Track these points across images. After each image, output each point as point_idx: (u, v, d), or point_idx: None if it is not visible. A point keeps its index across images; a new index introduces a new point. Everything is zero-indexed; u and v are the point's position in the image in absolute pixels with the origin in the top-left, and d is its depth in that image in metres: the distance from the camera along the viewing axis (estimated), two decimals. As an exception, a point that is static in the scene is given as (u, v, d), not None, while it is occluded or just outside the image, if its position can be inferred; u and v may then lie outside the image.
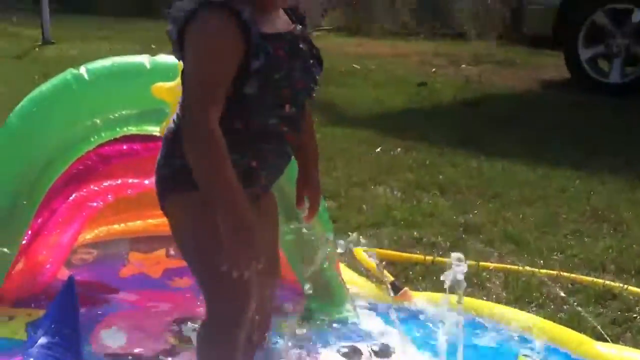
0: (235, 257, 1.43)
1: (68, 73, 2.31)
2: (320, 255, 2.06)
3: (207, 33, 1.45)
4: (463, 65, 9.01)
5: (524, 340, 2.02)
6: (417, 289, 2.42)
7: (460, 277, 1.69)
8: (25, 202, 2.20)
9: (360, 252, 2.58)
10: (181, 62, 1.56)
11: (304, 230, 2.08)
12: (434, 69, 8.59)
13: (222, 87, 1.46)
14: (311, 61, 1.58)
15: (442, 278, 1.75)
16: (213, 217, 1.45)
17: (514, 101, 6.70)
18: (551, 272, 2.60)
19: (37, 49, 9.22)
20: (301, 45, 1.57)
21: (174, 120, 1.63)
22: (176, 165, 1.56)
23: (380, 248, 2.78)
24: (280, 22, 1.56)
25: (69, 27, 11.85)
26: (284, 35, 1.53)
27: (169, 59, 2.32)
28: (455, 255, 1.70)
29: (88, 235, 2.67)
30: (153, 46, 9.90)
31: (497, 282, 2.55)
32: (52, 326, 1.74)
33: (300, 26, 1.59)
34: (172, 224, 1.64)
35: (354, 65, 8.57)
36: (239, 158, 1.53)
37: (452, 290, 1.73)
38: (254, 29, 1.45)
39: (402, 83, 7.38)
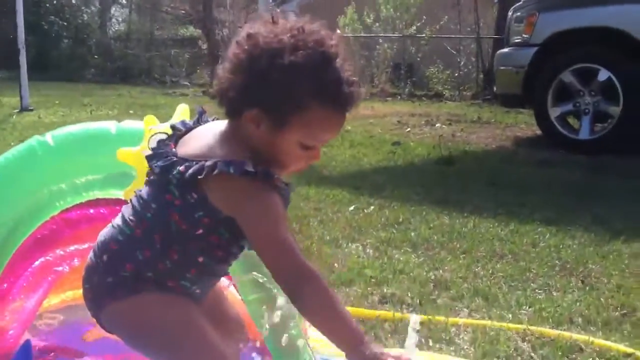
0: None
1: (33, 139, 2.33)
2: (285, 312, 2.06)
3: (265, 197, 1.50)
4: (437, 125, 9.17)
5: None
6: (385, 346, 2.41)
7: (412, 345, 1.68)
8: (-12, 268, 2.18)
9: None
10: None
11: (263, 281, 2.07)
12: (408, 129, 8.74)
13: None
14: None
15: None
16: (171, 311, 1.57)
17: (487, 159, 6.82)
18: (519, 326, 2.61)
19: (14, 116, 9.27)
20: None
21: (119, 226, 1.65)
22: (122, 276, 1.60)
23: (351, 305, 2.78)
24: None
25: (50, 94, 11.98)
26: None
27: (134, 124, 2.36)
28: (414, 319, 1.69)
29: (54, 300, 2.64)
30: (131, 111, 10.06)
31: (466, 338, 2.55)
32: (8, 392, 1.71)
33: None
34: (124, 328, 1.65)
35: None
36: (188, 285, 1.62)
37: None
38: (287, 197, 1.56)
39: (378, 142, 7.50)
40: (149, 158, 1.67)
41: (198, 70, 20.32)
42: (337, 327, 1.47)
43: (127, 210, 1.67)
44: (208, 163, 1.50)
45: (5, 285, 2.36)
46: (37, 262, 2.53)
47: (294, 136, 1.51)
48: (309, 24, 1.52)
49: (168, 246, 1.58)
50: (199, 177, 1.50)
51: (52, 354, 2.31)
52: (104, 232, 1.70)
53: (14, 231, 2.24)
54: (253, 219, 1.51)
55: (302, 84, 1.46)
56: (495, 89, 8.39)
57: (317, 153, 1.56)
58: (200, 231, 1.56)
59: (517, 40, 7.42)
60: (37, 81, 12.23)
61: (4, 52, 17.13)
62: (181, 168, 1.53)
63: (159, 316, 1.59)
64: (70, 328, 2.52)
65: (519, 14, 7.49)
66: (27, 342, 1.89)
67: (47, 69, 17.64)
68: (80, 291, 2.73)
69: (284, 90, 1.47)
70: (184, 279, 1.61)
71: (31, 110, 9.76)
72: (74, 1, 22.47)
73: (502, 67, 7.72)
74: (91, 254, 1.72)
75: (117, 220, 1.68)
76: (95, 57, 20.43)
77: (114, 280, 1.61)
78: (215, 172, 1.48)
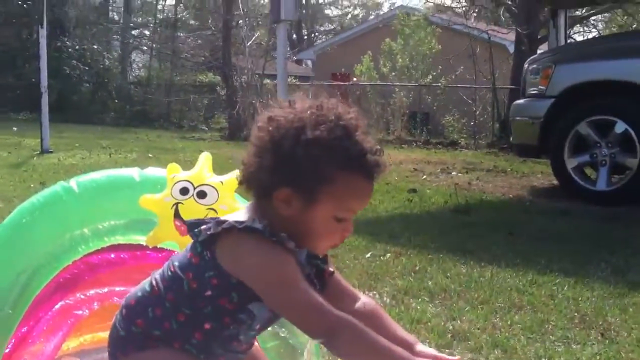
0: None
1: (58, 185, 2.37)
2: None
3: (277, 262, 1.50)
4: (453, 173, 9.20)
5: None
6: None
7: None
8: (10, 312, 2.20)
9: None
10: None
11: (286, 336, 2.08)
12: (424, 176, 8.76)
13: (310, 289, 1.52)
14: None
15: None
16: None
17: (504, 208, 6.80)
18: (538, 379, 2.58)
19: (35, 158, 9.39)
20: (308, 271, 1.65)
21: (143, 284, 1.70)
22: (133, 332, 1.65)
23: (367, 356, 2.77)
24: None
25: (70, 137, 12.15)
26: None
27: (157, 172, 2.41)
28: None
29: (72, 344, 2.65)
30: (150, 155, 10.17)
31: (484, 391, 2.52)
32: None
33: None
34: None
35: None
36: (194, 352, 1.61)
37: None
38: (301, 255, 1.56)
39: (394, 190, 7.51)
40: None
41: (216, 115, 20.57)
42: None
43: (156, 272, 1.71)
44: (221, 220, 1.55)
45: (25, 328, 2.38)
46: (57, 306, 2.55)
47: (326, 210, 1.53)
48: (326, 101, 1.56)
49: (177, 307, 1.60)
50: (208, 232, 1.53)
51: (69, 398, 2.31)
52: (132, 289, 1.75)
53: (35, 274, 2.26)
54: (263, 279, 1.51)
55: (327, 157, 1.49)
56: (511, 139, 8.43)
57: (349, 225, 1.57)
58: (209, 292, 1.57)
59: (533, 92, 7.49)
60: (57, 123, 12.42)
61: (27, 95, 17.48)
62: (203, 227, 1.57)
63: None
64: (87, 372, 2.52)
65: (534, 66, 7.57)
66: (48, 386, 1.88)
67: (67, 112, 17.93)
68: (99, 334, 2.78)
69: (311, 166, 1.49)
70: (189, 344, 1.61)
71: (51, 152, 9.90)
72: (95, 47, 22.95)
73: (518, 118, 7.77)
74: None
75: (145, 280, 1.72)
76: (116, 101, 20.77)
77: (125, 335, 1.65)
78: (224, 226, 1.52)
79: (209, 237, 1.55)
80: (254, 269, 1.51)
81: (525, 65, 7.97)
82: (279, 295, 1.51)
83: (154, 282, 1.66)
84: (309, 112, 1.53)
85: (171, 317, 1.60)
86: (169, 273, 1.64)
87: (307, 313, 1.50)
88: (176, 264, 1.63)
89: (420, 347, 1.68)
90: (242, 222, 1.52)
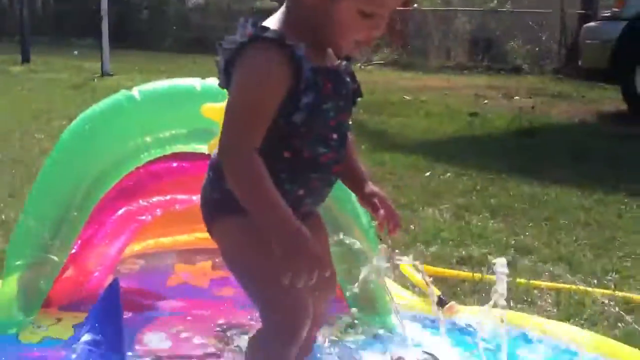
0: (296, 271, 1.39)
1: (120, 93, 2.38)
2: (366, 268, 2.03)
3: (254, 64, 1.47)
4: (516, 98, 8.92)
5: (573, 354, 1.94)
6: (465, 304, 2.36)
7: (503, 282, 1.64)
8: (75, 214, 2.24)
9: (406, 268, 2.54)
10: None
11: (348, 242, 2.05)
12: (486, 101, 8.53)
13: (262, 117, 1.47)
14: (352, 94, 1.63)
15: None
16: (263, 237, 1.45)
17: (569, 131, 6.59)
18: (605, 290, 2.52)
19: (95, 80, 9.53)
20: (347, 79, 1.60)
21: None
22: (224, 189, 1.55)
23: (428, 265, 2.73)
24: (329, 56, 1.58)
25: (128, 61, 12.24)
26: (331, 70, 1.56)
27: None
28: (500, 260, 1.66)
29: (136, 247, 2.71)
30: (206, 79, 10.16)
31: (549, 300, 2.48)
32: (96, 324, 1.75)
33: (346, 62, 1.62)
34: (222, 247, 1.65)
35: (405, 97, 8.58)
36: (289, 188, 1.55)
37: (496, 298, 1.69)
38: (306, 65, 1.47)
39: (454, 113, 7.35)
40: None
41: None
42: (257, 212, 1.45)
43: None
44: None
45: (89, 231, 2.43)
46: (120, 211, 2.59)
47: (351, 3, 1.46)
48: None
49: None
50: (224, 59, 1.52)
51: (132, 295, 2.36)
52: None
53: (99, 181, 2.30)
54: (233, 80, 1.50)
55: None
56: (580, 62, 8.11)
57: (379, 24, 1.50)
58: None
59: (606, 14, 7.18)
60: (117, 49, 12.50)
61: (86, 20, 17.61)
62: (217, 58, 1.57)
63: (245, 245, 1.56)
64: (152, 274, 2.58)
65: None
66: (116, 280, 1.92)
67: (127, 38, 18.03)
68: (161, 240, 2.83)
69: None
70: (279, 180, 1.51)
71: (111, 75, 10.01)
72: (153, -27, 22.83)
73: (588, 41, 7.48)
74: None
75: None
76: (174, 27, 20.76)
77: (218, 196, 1.61)
78: (233, 46, 1.50)
79: (227, 63, 1.52)
80: (237, 67, 1.50)
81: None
82: (229, 101, 1.50)
83: None
84: None
85: None
86: None
87: (228, 124, 1.47)
88: None
89: (370, 187, 1.69)
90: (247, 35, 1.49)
